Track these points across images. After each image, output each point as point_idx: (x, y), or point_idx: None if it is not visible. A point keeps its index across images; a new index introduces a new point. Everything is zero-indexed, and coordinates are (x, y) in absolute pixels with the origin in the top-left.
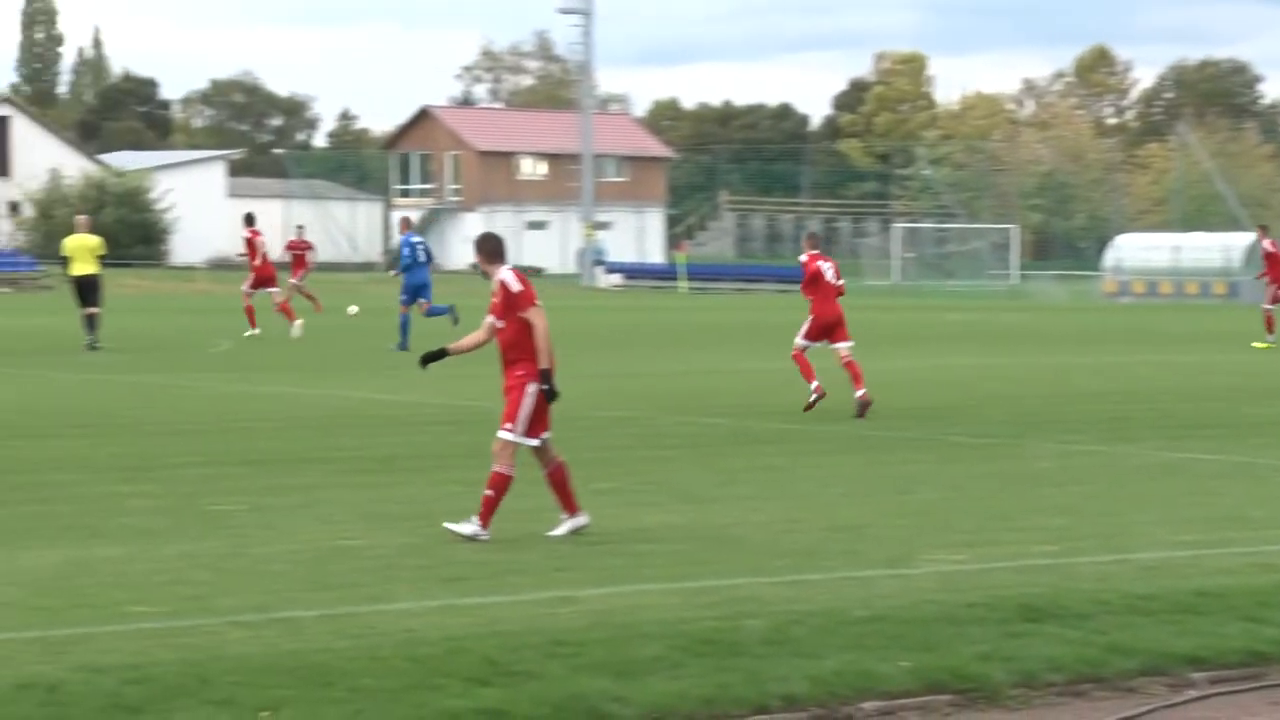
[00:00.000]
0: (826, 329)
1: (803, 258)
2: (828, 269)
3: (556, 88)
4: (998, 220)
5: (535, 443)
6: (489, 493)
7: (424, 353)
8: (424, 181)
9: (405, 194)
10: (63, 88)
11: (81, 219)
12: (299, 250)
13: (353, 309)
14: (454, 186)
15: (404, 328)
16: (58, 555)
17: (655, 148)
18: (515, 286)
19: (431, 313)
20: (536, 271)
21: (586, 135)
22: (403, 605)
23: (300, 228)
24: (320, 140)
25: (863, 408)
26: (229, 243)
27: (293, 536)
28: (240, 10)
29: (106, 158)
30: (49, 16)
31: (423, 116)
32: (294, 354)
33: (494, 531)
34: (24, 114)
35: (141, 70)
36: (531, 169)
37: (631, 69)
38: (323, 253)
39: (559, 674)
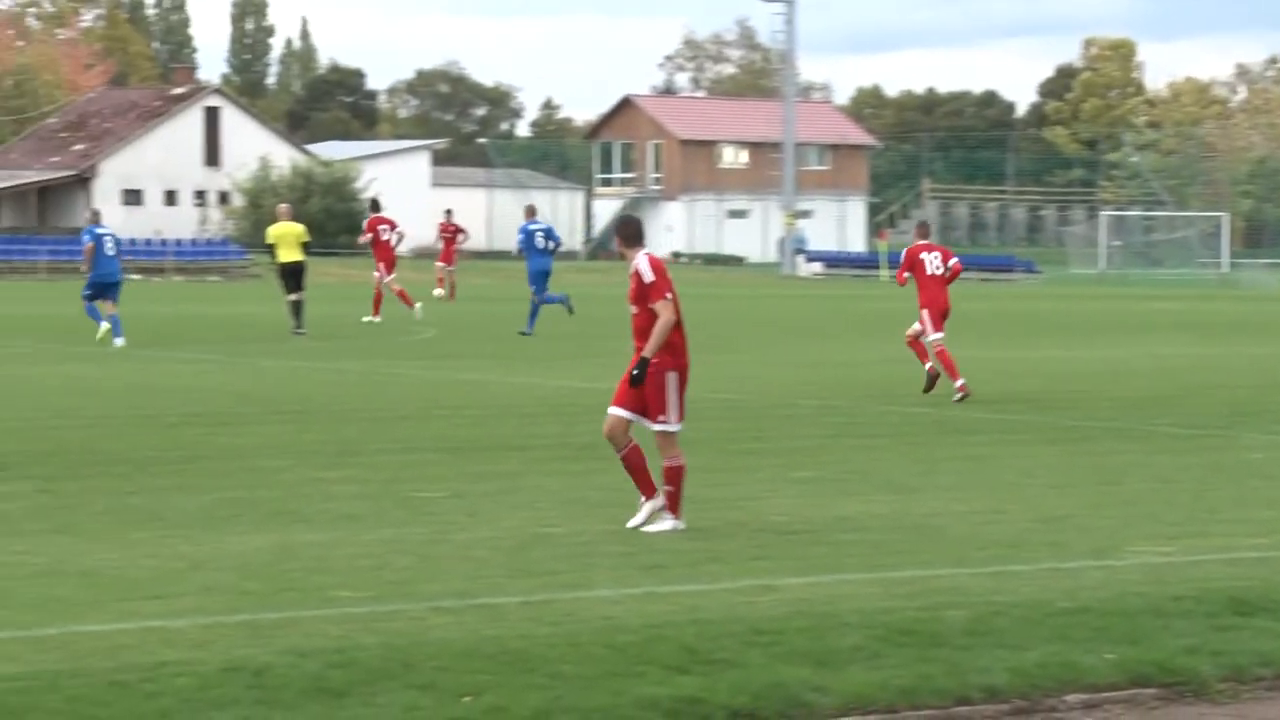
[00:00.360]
0: (940, 318)
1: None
2: (932, 259)
3: (758, 76)
4: (1208, 208)
5: (638, 419)
6: (669, 488)
7: (633, 373)
8: (625, 170)
9: (606, 183)
10: (271, 79)
11: (283, 207)
12: (448, 234)
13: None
14: (655, 175)
15: (533, 313)
16: (264, 540)
17: (858, 135)
18: (648, 277)
19: (545, 300)
20: (738, 260)
21: (789, 123)
22: (602, 592)
23: (448, 212)
24: (523, 130)
25: (931, 382)
26: (433, 232)
27: (494, 523)
28: (447, 1)
29: (314, 148)
30: (259, 8)
31: (625, 105)
32: (495, 342)
33: (693, 520)
34: (234, 105)
35: (348, 61)
36: (733, 157)
37: (834, 57)
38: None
39: (758, 662)
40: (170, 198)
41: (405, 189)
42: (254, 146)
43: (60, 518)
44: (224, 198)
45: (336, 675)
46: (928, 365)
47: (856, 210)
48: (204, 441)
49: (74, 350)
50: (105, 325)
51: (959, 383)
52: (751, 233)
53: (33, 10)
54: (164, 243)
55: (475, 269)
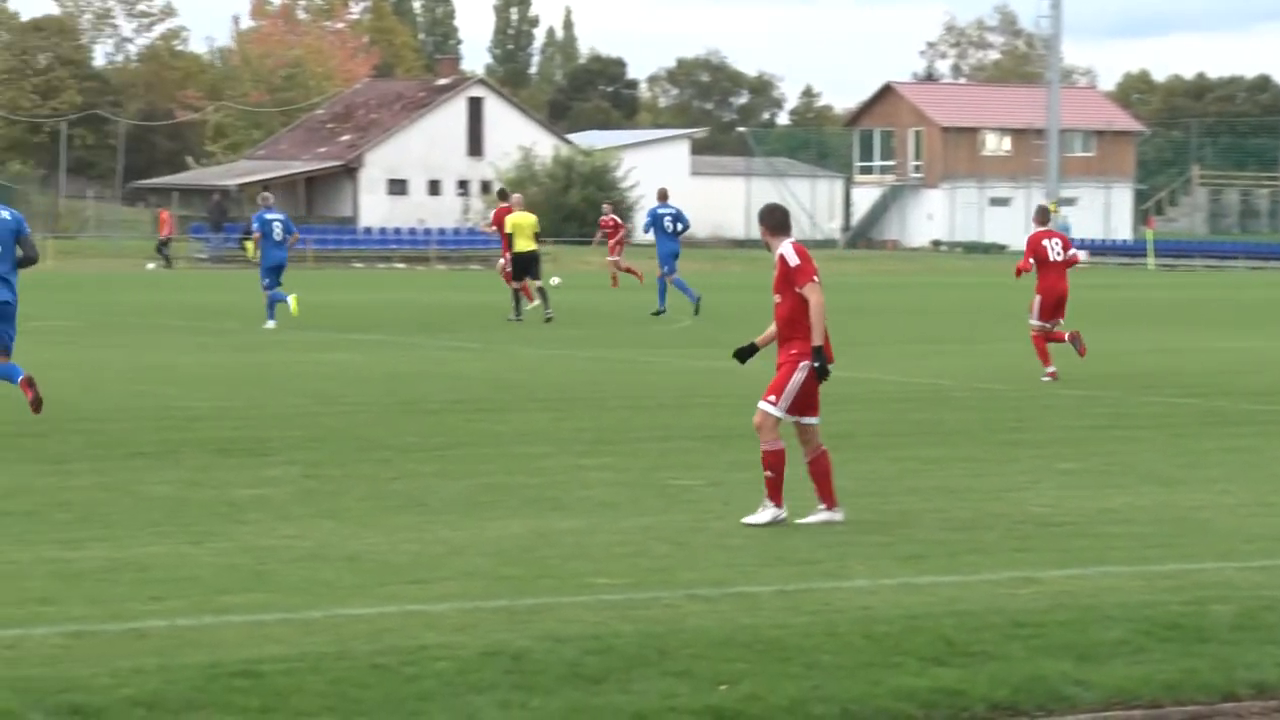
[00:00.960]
0: (1056, 306)
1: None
2: (1053, 245)
3: (1020, 62)
4: None
5: (793, 419)
6: (768, 474)
7: (738, 349)
8: (885, 158)
9: (866, 171)
10: (534, 69)
11: (517, 198)
12: (609, 228)
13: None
14: (916, 163)
15: (681, 288)
16: (522, 526)
17: (1124, 121)
18: (793, 260)
19: (676, 283)
20: (1000, 248)
21: (1053, 110)
22: (859, 582)
23: (607, 205)
24: (783, 118)
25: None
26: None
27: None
28: None
29: (574, 137)
30: None
31: (886, 93)
32: (753, 330)
33: (954, 511)
34: (497, 95)
35: (609, 50)
36: (995, 144)
37: (1100, 41)
38: None
39: (1018, 655)
40: (434, 187)
41: (664, 178)
42: (516, 136)
43: (325, 503)
44: (486, 187)
45: (593, 661)
46: (1049, 369)
47: (1122, 197)
48: (464, 428)
49: (338, 338)
50: (292, 296)
51: (1050, 369)
52: (1014, 221)
53: (303, 3)
54: (427, 232)
55: (734, 257)
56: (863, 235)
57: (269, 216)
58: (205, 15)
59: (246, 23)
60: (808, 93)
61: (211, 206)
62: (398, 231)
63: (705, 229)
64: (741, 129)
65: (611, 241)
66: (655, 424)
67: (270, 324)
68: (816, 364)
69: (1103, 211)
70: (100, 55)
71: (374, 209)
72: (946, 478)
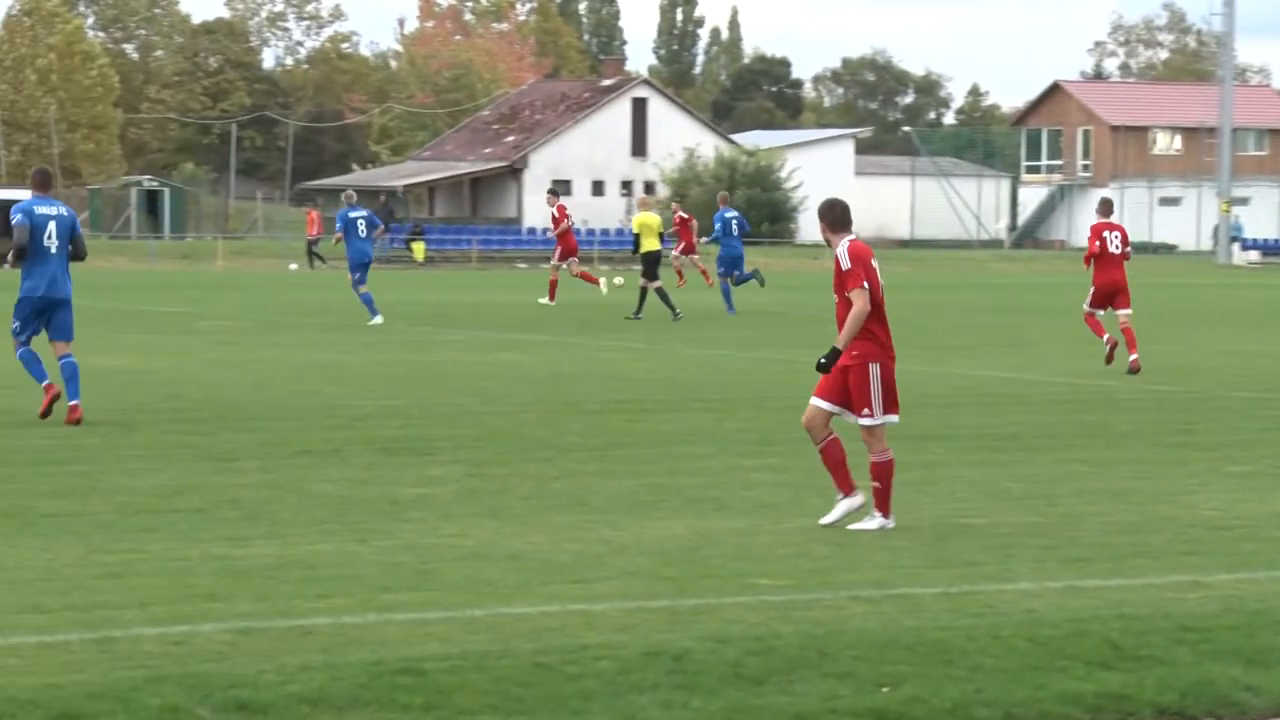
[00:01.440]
0: (1109, 296)
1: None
2: (1112, 237)
3: (1190, 60)
4: None
5: (895, 419)
6: (876, 484)
7: (821, 359)
8: (1052, 157)
9: (1033, 170)
10: (698, 69)
11: (645, 198)
12: (681, 226)
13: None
14: (1084, 162)
15: (726, 295)
16: (684, 526)
17: None
18: (845, 264)
19: (739, 280)
20: (1170, 248)
21: (1225, 108)
22: (1023, 585)
23: (676, 205)
24: (949, 118)
25: (1134, 371)
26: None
27: (913, 513)
28: None
29: (738, 137)
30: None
31: (1054, 91)
32: (916, 332)
33: (1120, 514)
34: (661, 95)
35: (774, 50)
36: (1166, 143)
37: (1273, 39)
38: (948, 230)
39: (1186, 660)
40: (597, 188)
41: (828, 178)
42: (680, 137)
43: (488, 501)
44: (649, 188)
45: (754, 662)
46: (1105, 336)
47: None
48: (626, 428)
49: (504, 338)
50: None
51: (1133, 357)
52: (1184, 220)
53: (470, 4)
54: (590, 232)
55: (898, 258)
56: (1029, 235)
57: (353, 214)
58: (373, 18)
59: (412, 26)
60: (974, 92)
61: (377, 208)
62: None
63: (869, 229)
64: (907, 129)
65: (686, 244)
66: None
67: (377, 319)
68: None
69: (1277, 211)
70: (269, 58)
71: (538, 209)
72: (1113, 480)
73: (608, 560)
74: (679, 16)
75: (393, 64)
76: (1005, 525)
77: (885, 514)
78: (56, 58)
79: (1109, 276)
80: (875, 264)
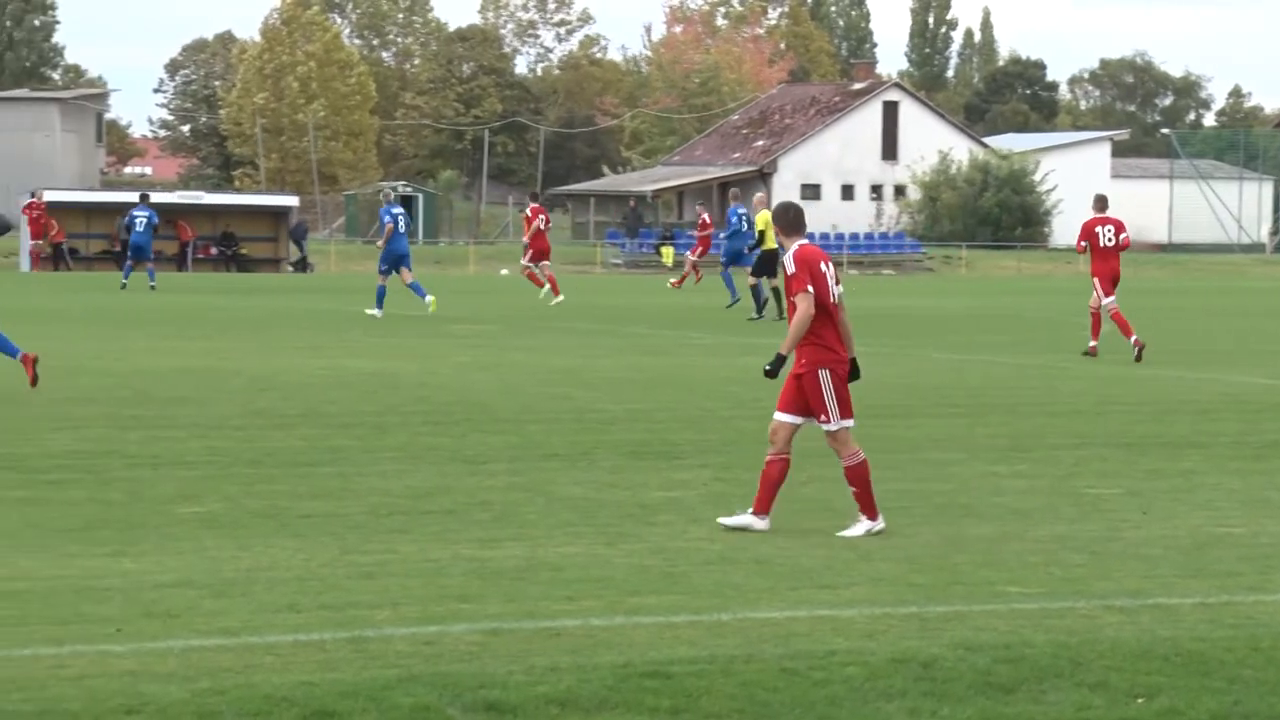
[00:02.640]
0: (1113, 284)
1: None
2: (1105, 231)
3: None
4: None
5: (851, 423)
6: (853, 489)
7: (766, 366)
8: None
9: None
10: (950, 71)
11: (760, 196)
12: (703, 231)
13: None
14: None
15: (753, 294)
16: (933, 532)
17: None
18: (789, 269)
19: (725, 278)
20: None
21: None
22: None
23: (700, 206)
24: (1209, 120)
25: (1139, 351)
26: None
27: (1169, 522)
28: None
29: (991, 140)
30: (942, 1)
31: None
32: (1176, 338)
33: None
34: (912, 99)
35: (1030, 52)
36: None
37: None
38: (1207, 234)
39: None
40: (847, 192)
41: (1083, 181)
42: (931, 140)
43: (734, 505)
44: (899, 191)
45: (1004, 671)
46: (1132, 338)
47: None
48: (874, 433)
49: (751, 341)
50: (431, 298)
51: (1134, 339)
52: None
53: (722, 9)
54: (839, 236)
55: (1155, 262)
56: None
57: (395, 211)
58: (622, 23)
59: (659, 31)
60: (1235, 93)
61: (627, 212)
62: (810, 236)
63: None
64: (1165, 131)
65: (700, 247)
66: (1070, 430)
67: (374, 312)
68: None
69: None
70: (521, 64)
71: None
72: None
73: (856, 566)
74: (930, 19)
75: (643, 69)
76: (1266, 535)
77: (871, 517)
78: (316, 65)
79: (1107, 266)
80: (826, 268)
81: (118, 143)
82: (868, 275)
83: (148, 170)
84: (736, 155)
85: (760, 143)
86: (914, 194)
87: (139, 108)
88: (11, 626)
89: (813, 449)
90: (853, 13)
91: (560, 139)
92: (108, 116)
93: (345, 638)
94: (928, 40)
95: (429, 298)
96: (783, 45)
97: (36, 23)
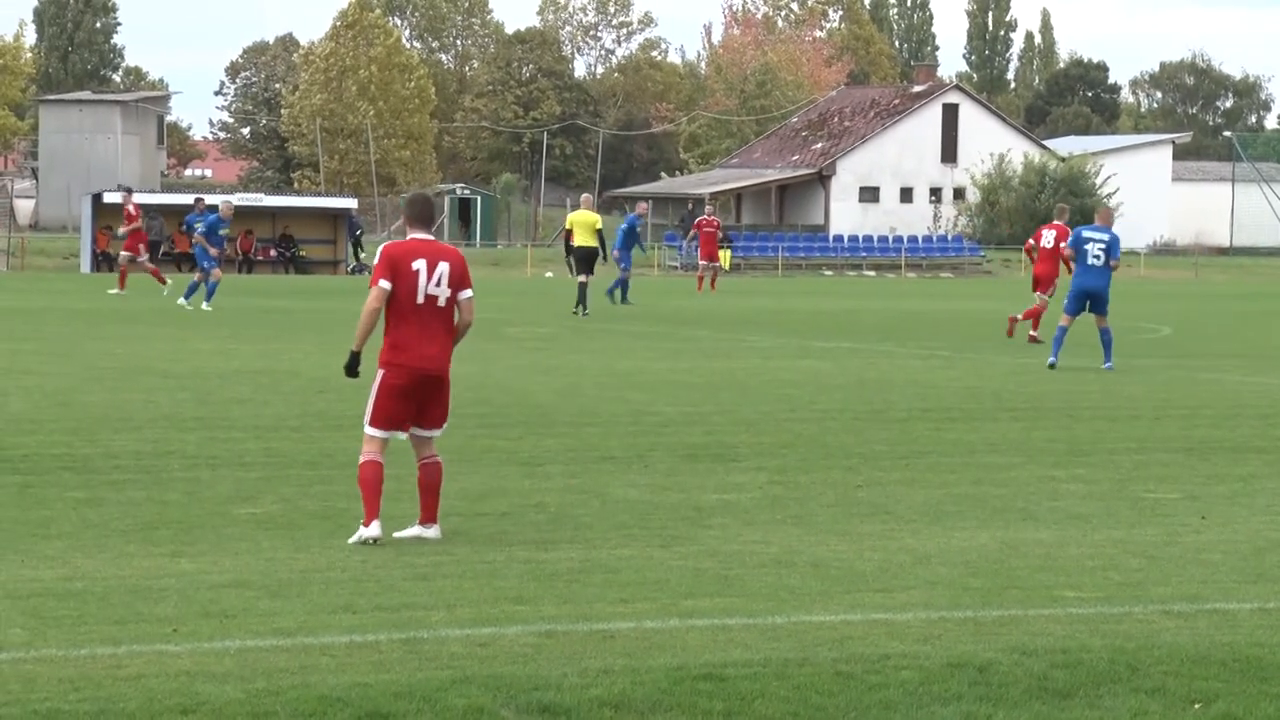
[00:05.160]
0: (1043, 282)
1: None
2: (1048, 235)
3: None
4: None
5: (380, 434)
6: (361, 489)
7: (345, 365)
8: None
9: None
10: (1010, 74)
11: (585, 197)
12: (710, 230)
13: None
14: None
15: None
16: (989, 537)
17: None
18: (373, 261)
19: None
20: None
21: None
22: None
23: (707, 206)
24: (1271, 122)
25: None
26: (1172, 227)
27: (1228, 526)
28: None
29: (1052, 143)
30: (1001, 2)
31: None
32: (1233, 341)
33: None
34: (972, 101)
35: (1090, 54)
36: None
37: None
38: (1270, 237)
39: None
40: (905, 195)
41: (1144, 184)
42: (991, 143)
43: (791, 509)
44: (958, 194)
45: (1061, 676)
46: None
47: None
48: (932, 437)
49: (808, 344)
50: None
51: (1035, 332)
52: None
53: (783, 12)
54: (898, 239)
55: (1216, 265)
56: None
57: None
58: (681, 25)
59: (719, 33)
60: None
61: (684, 215)
62: (868, 239)
63: (1187, 236)
64: (1227, 133)
65: (711, 246)
66: (1129, 435)
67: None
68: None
69: None
70: (580, 66)
71: (845, 216)
72: None
73: (911, 569)
74: (989, 21)
75: (701, 71)
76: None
77: (365, 522)
78: (377, 69)
79: (1043, 268)
80: (420, 265)
81: (178, 145)
82: (926, 278)
83: (208, 172)
84: (795, 158)
85: (819, 145)
86: (973, 197)
87: (200, 110)
88: (69, 626)
89: (874, 452)
90: (914, 15)
91: (618, 141)
92: (168, 119)
93: (400, 639)
94: (987, 42)
95: None
96: (842, 47)
97: (98, 25)
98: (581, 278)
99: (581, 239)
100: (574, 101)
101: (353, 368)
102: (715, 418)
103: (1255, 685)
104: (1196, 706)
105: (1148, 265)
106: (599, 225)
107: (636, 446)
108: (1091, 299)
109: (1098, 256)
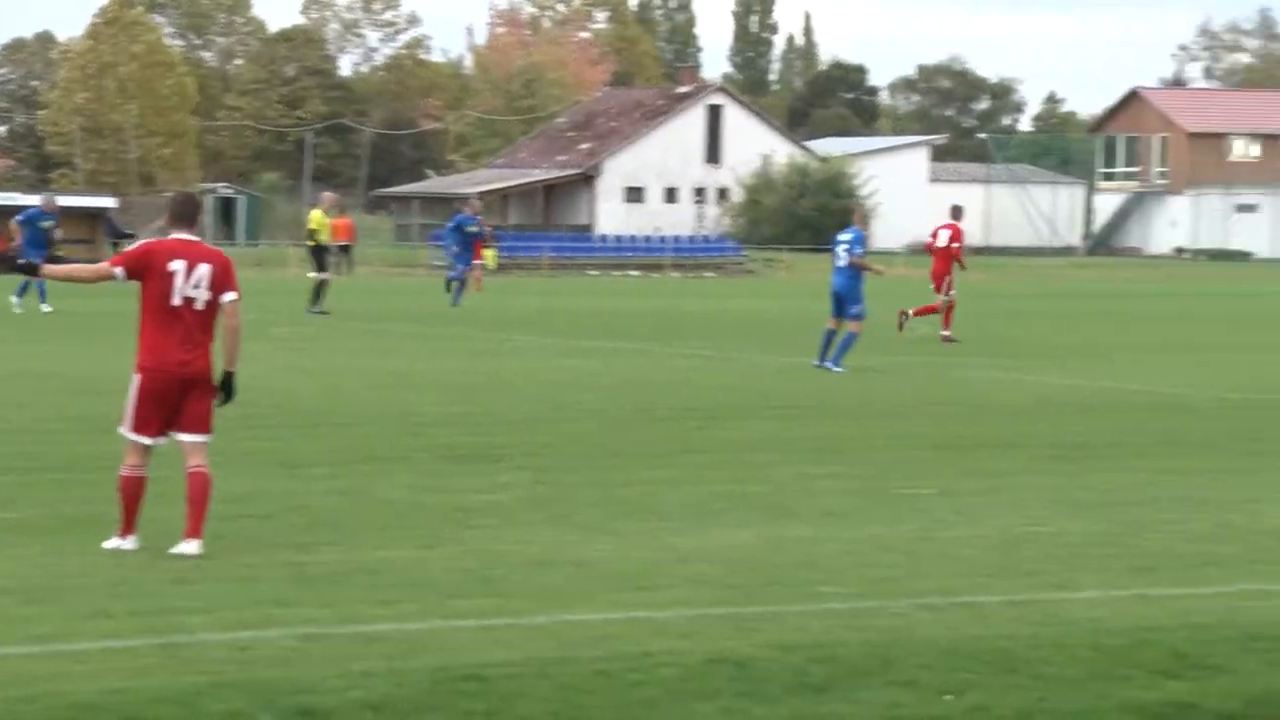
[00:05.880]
0: (942, 279)
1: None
2: (943, 234)
3: (1276, 65)
4: None
5: (147, 441)
6: (120, 500)
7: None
8: (1129, 164)
9: (1109, 177)
10: (773, 76)
11: (324, 195)
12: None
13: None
14: (1160, 169)
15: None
16: (751, 534)
17: None
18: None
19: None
20: (1245, 256)
21: None
22: (1089, 594)
23: (472, 204)
24: (1026, 124)
25: (901, 321)
26: (930, 227)
27: (981, 521)
28: None
29: (813, 144)
30: (764, 5)
31: (1132, 98)
32: (987, 339)
33: (1192, 521)
34: (736, 103)
35: (850, 57)
36: (1244, 150)
37: None
38: (1023, 237)
39: (1253, 669)
40: (670, 195)
41: (903, 185)
42: (755, 144)
43: (554, 508)
44: (722, 194)
45: (818, 670)
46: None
47: None
48: (694, 435)
49: (574, 344)
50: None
51: (912, 311)
52: (1261, 228)
53: (549, 13)
54: (662, 239)
55: (972, 264)
56: (1104, 243)
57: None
58: (447, 25)
59: (482, 33)
60: (1051, 99)
61: (450, 214)
62: (634, 239)
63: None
64: (982, 135)
65: (479, 248)
66: (886, 432)
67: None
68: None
69: None
70: (346, 65)
71: (611, 216)
72: (1182, 488)
73: (673, 568)
74: (753, 24)
75: (467, 70)
76: (1072, 533)
77: (122, 534)
78: (138, 67)
79: (936, 267)
80: (178, 266)
81: None
82: (690, 278)
83: None
84: (561, 158)
85: (585, 146)
86: (737, 197)
87: None
88: None
89: (638, 451)
90: (677, 17)
91: (385, 141)
92: None
93: (158, 644)
94: (750, 44)
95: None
96: (608, 48)
97: None
98: (323, 275)
99: (326, 237)
100: (340, 100)
101: (27, 270)
102: (480, 418)
103: (1004, 676)
104: (948, 698)
105: (905, 265)
106: (328, 224)
107: (400, 447)
108: (837, 299)
109: (842, 257)
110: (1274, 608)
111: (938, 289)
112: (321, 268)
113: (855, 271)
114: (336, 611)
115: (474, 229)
